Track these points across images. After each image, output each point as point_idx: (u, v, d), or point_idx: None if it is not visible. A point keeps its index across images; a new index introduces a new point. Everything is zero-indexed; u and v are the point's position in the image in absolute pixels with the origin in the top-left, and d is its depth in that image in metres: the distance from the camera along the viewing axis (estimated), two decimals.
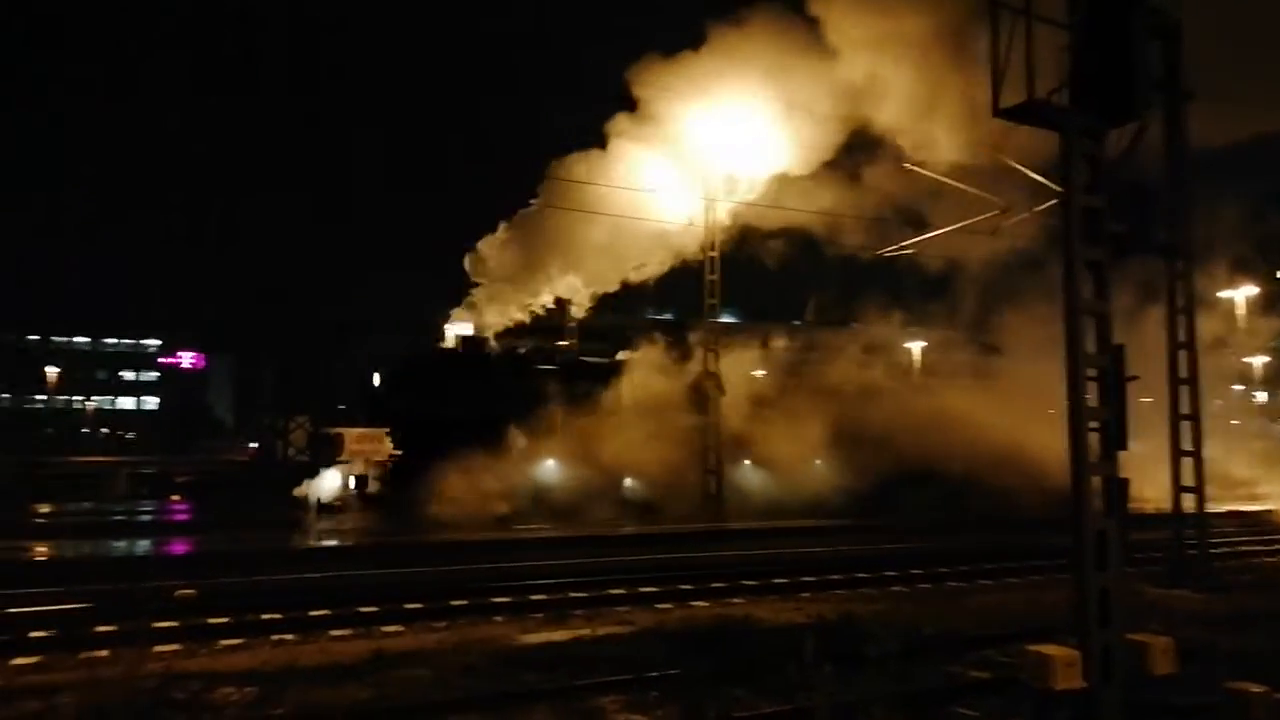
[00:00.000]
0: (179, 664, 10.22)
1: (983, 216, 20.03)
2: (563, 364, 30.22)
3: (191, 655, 11.06)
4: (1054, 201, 11.00)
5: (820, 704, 7.65)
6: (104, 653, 10.79)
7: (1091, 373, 8.03)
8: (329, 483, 26.48)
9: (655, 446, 27.46)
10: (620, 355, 31.10)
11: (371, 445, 26.56)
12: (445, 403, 25.98)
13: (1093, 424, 7.98)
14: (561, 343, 32.86)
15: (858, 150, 27.42)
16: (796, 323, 40.53)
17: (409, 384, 27.54)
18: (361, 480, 26.37)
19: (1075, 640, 7.60)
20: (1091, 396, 7.98)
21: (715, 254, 28.78)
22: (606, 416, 27.11)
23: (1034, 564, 19.03)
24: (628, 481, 28.52)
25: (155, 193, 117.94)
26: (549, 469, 27.30)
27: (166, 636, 11.43)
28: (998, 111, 8.03)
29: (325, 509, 25.73)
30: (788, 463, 28.30)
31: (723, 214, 29.00)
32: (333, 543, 22.30)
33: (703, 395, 28.48)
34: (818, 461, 29.02)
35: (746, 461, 29.98)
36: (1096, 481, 7.88)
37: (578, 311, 32.13)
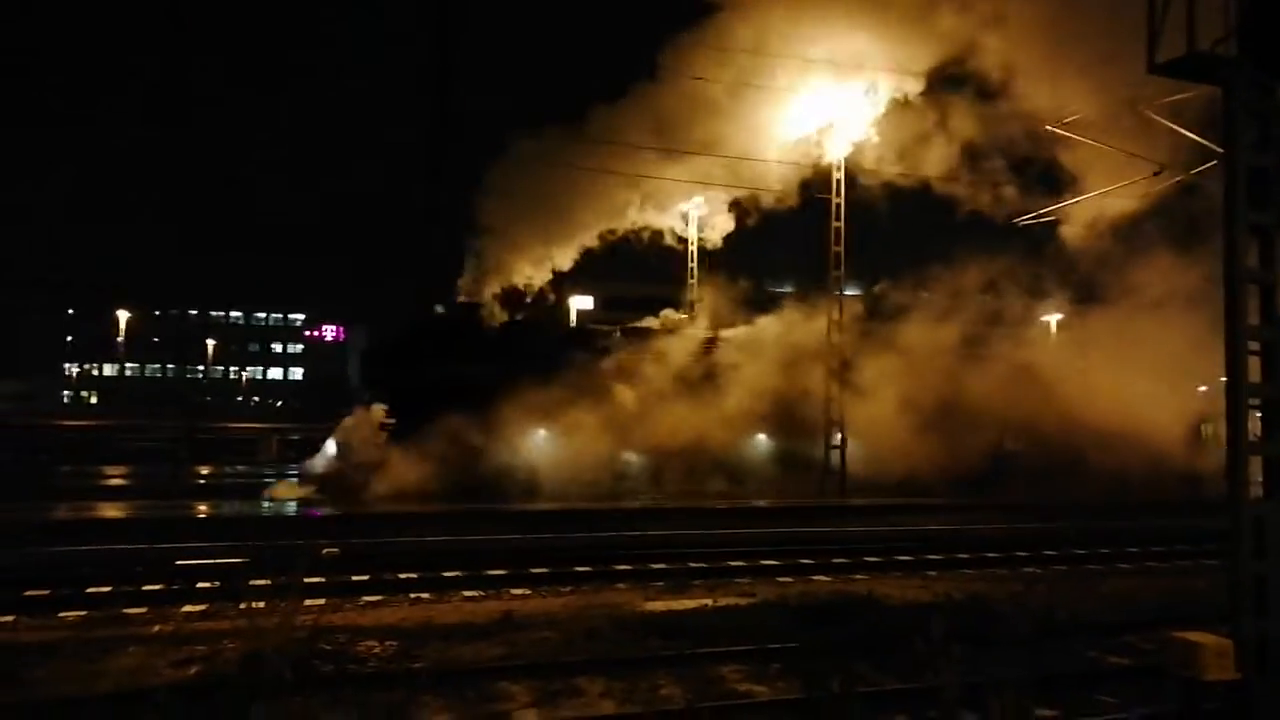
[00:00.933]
0: (326, 617, 10.92)
1: (1132, 180, 18.77)
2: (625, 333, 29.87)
3: (337, 610, 11.83)
4: (1214, 163, 10.20)
5: (948, 683, 7.49)
6: (260, 604, 11.66)
7: (1254, 346, 7.46)
8: (323, 455, 26.37)
9: (774, 420, 27.32)
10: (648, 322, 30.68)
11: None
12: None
13: (1253, 401, 7.43)
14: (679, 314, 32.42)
15: (991, 113, 26.08)
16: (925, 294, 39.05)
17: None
18: (343, 449, 25.86)
19: (1227, 629, 7.16)
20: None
21: (840, 224, 28.03)
22: (719, 389, 26.97)
23: (1179, 549, 18.00)
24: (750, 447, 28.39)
25: (301, 176, 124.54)
26: (649, 440, 26.77)
27: (315, 591, 12.26)
28: (1153, 67, 7.49)
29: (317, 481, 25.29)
30: (896, 437, 27.53)
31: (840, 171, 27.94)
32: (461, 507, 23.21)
33: (826, 369, 27.99)
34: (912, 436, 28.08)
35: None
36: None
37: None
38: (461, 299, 28.76)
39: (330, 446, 26.21)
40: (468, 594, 13.35)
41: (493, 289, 28.61)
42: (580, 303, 43.93)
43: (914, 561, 16.60)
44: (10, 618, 11.39)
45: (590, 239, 29.51)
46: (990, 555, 17.40)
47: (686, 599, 12.99)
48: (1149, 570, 16.55)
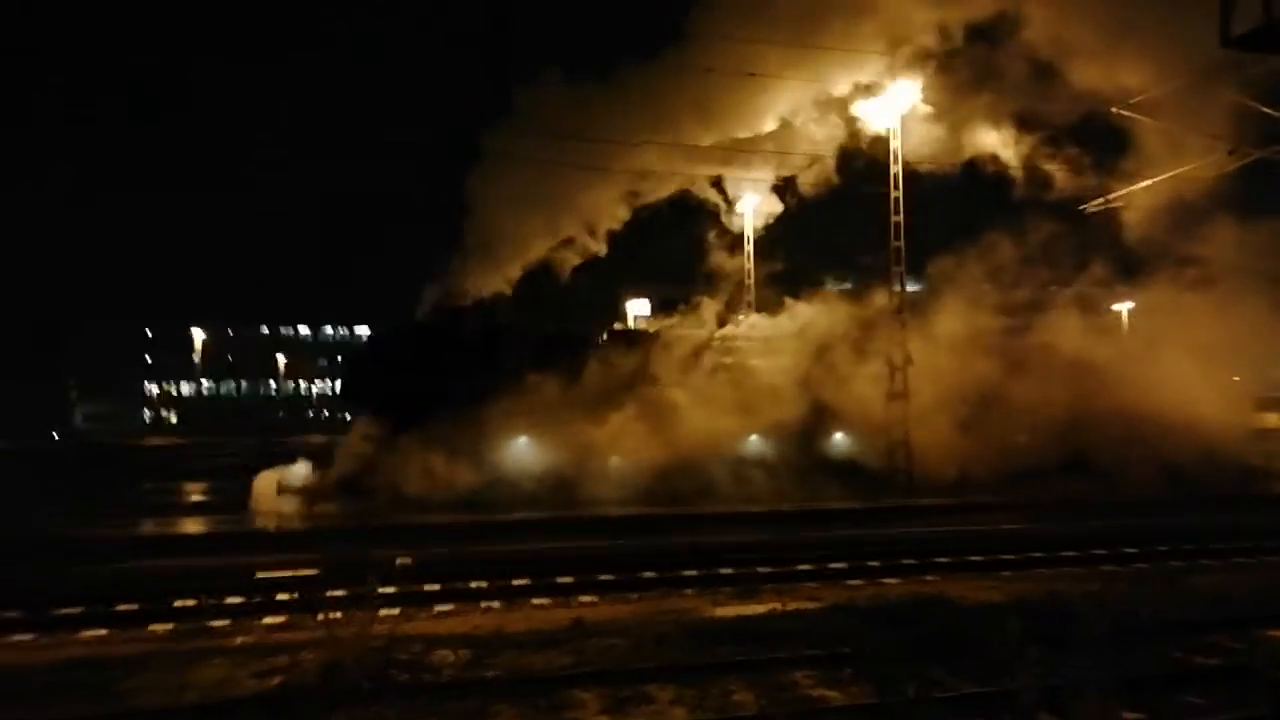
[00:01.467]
0: (401, 627, 11.15)
1: (1204, 161, 18.14)
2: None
3: (411, 619, 12.07)
4: None
5: (1026, 687, 7.32)
6: (337, 614, 11.94)
7: None
8: (298, 467, 26.52)
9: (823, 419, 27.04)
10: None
11: None
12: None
13: None
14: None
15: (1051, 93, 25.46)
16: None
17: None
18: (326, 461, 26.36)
19: None
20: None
21: (899, 218, 27.56)
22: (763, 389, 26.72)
23: (1268, 544, 17.29)
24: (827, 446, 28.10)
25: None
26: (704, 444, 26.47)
27: (390, 601, 12.52)
28: (1227, 40, 7.22)
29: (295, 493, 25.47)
30: (953, 434, 26.95)
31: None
32: (520, 516, 23.43)
33: (890, 366, 27.57)
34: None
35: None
36: None
37: None
38: (450, 303, 28.92)
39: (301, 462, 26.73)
40: (537, 602, 13.51)
41: (479, 291, 28.76)
42: (637, 307, 44.10)
43: (986, 562, 16.24)
44: (104, 631, 11.90)
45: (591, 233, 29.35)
46: (1065, 554, 16.93)
47: (756, 604, 12.93)
48: (1237, 567, 15.92)
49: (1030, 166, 26.99)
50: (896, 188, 27.26)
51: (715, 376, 27.28)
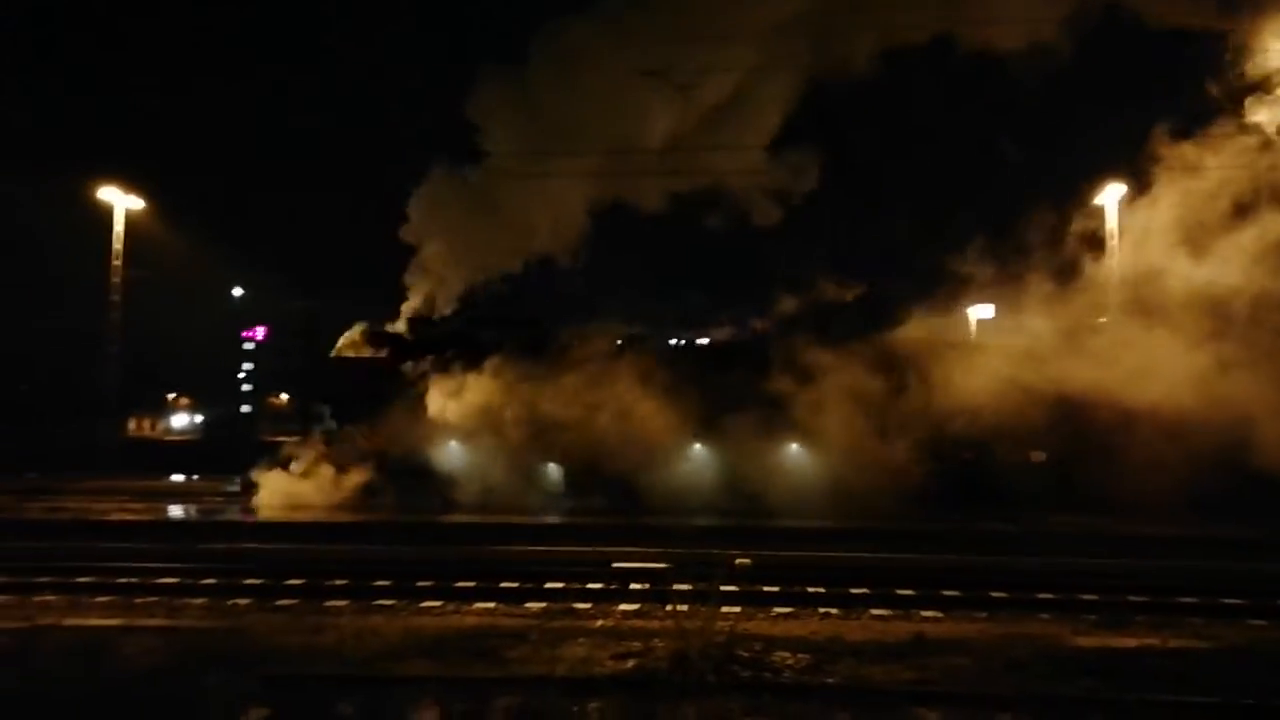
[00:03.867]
0: (741, 625, 11.55)
1: None
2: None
3: (750, 618, 12.44)
4: None
5: None
6: (684, 607, 12.66)
7: None
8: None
9: None
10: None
11: None
12: None
13: None
14: None
15: None
16: None
17: None
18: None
19: None
20: None
21: None
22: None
23: None
24: None
25: None
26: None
27: (731, 599, 13.00)
28: None
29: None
30: None
31: None
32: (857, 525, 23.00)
33: None
34: None
35: None
36: None
37: None
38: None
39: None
40: (876, 612, 13.26)
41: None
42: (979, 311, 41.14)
43: None
44: (492, 604, 13.72)
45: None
46: None
47: (1126, 636, 11.59)
48: None
49: None
50: None
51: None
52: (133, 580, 15.05)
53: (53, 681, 9.25)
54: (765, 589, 13.90)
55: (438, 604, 13.73)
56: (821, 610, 13.38)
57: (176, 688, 9.07)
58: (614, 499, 25.78)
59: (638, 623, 12.17)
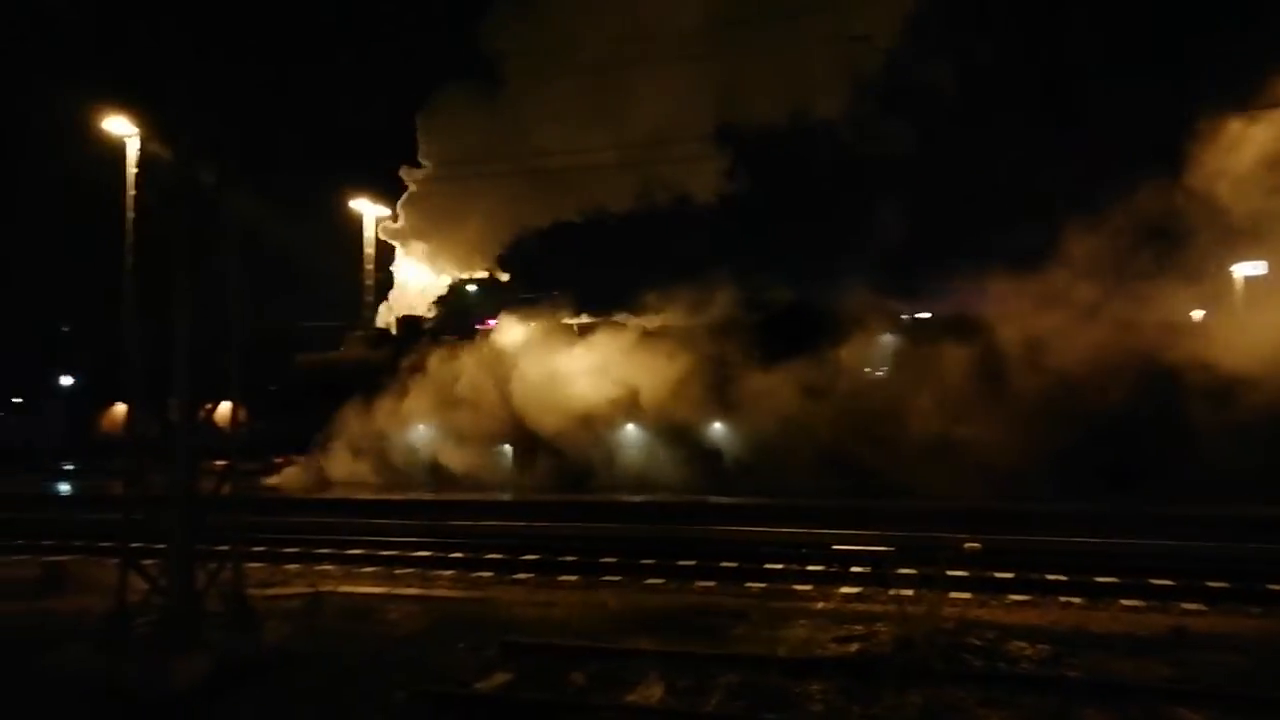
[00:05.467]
0: (972, 612, 11.05)
1: None
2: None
3: (982, 605, 11.87)
4: None
5: None
6: (909, 592, 12.27)
7: None
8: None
9: None
10: None
11: None
12: None
13: None
14: None
15: None
16: None
17: None
18: None
19: None
20: None
21: None
22: None
23: None
24: None
25: None
26: None
27: (959, 585, 12.44)
28: None
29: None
30: None
31: None
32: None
33: None
34: None
35: None
36: None
37: None
38: None
39: None
40: (1127, 603, 12.20)
41: None
42: None
43: None
44: (712, 583, 13.99)
45: None
46: None
47: None
48: None
49: None
50: None
51: None
52: (394, 553, 16.76)
53: (333, 637, 10.53)
54: (997, 575, 13.20)
55: (660, 581, 14.19)
56: (1063, 599, 12.50)
57: (431, 649, 10.01)
58: (829, 479, 25.29)
59: (860, 606, 11.97)
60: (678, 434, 27.60)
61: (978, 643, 9.68)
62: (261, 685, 8.89)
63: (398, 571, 15.42)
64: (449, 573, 15.24)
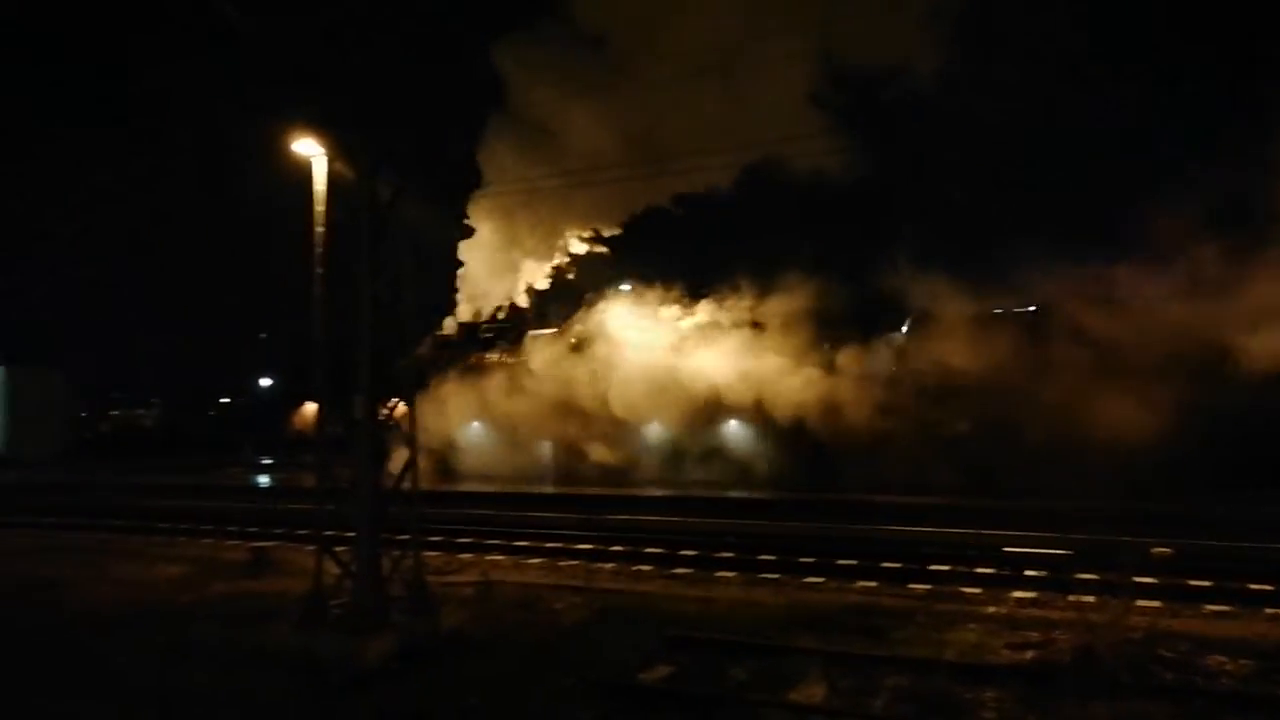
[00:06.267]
0: (1162, 622, 10.27)
1: None
2: None
3: (1175, 615, 10.99)
4: None
5: None
6: (1090, 598, 11.53)
7: None
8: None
9: None
10: None
11: None
12: None
13: None
14: None
15: None
16: None
17: None
18: None
19: None
20: None
21: None
22: None
23: None
24: None
25: None
26: None
27: (1147, 593, 11.60)
28: None
29: None
30: None
31: None
32: None
33: None
34: None
35: None
36: None
37: None
38: None
39: None
40: None
41: None
42: None
43: None
44: (873, 583, 13.67)
45: None
46: None
47: None
48: None
49: None
50: None
51: None
52: (558, 545, 17.37)
53: (504, 624, 11.06)
54: (1192, 583, 12.22)
55: (821, 580, 14.00)
56: (1269, 611, 11.39)
57: (595, 639, 10.34)
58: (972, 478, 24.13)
59: (1035, 612, 11.36)
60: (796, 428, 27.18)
61: (1169, 655, 9.03)
62: (440, 666, 9.46)
63: (561, 564, 15.96)
64: (610, 566, 15.63)
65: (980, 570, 13.87)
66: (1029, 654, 9.39)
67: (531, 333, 34.07)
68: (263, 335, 65.16)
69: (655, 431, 30.46)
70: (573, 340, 31.46)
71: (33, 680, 9.29)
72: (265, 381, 63.97)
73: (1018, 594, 12.47)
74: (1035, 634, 10.03)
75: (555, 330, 33.21)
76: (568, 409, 29.85)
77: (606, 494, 25.59)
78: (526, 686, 8.83)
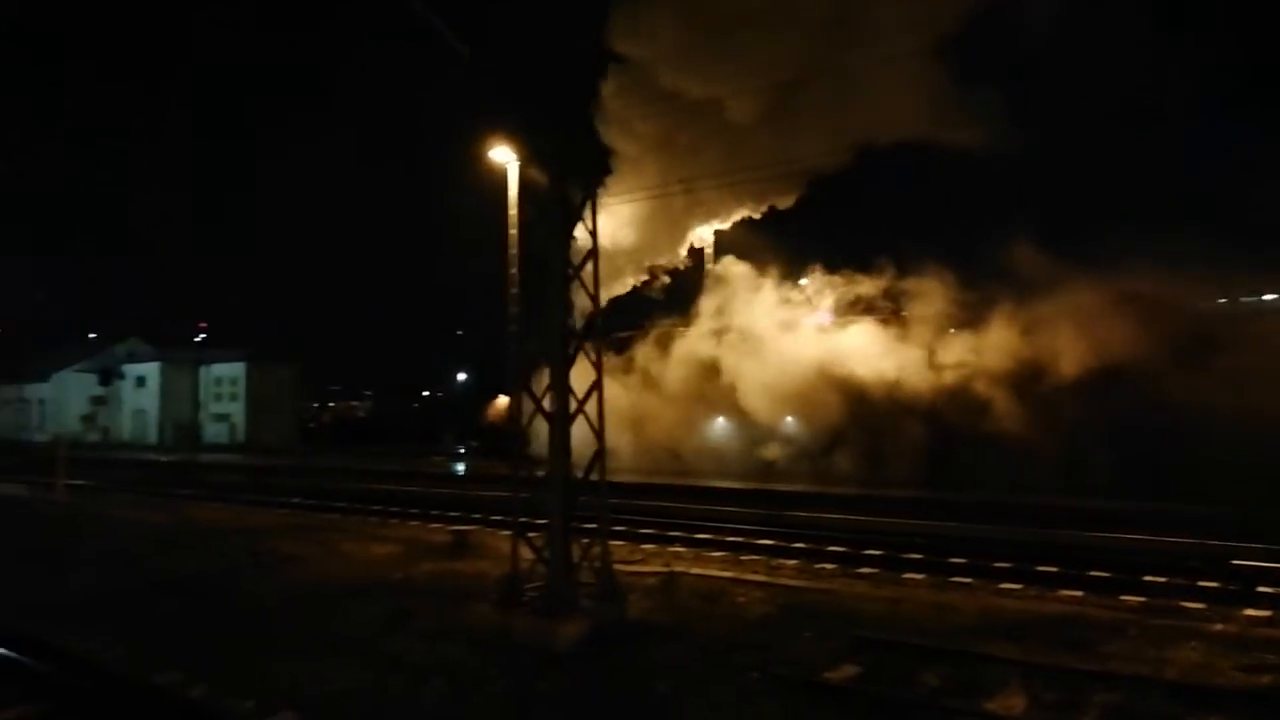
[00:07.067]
0: None
1: None
2: None
3: None
4: None
5: None
6: None
7: None
8: None
9: None
10: None
11: None
12: None
13: None
14: None
15: None
16: None
17: None
18: None
19: None
20: None
21: None
22: None
23: None
24: None
25: None
26: None
27: None
28: None
29: None
30: None
31: None
32: None
33: None
34: None
35: None
36: None
37: None
38: None
39: None
40: None
41: None
42: None
43: None
44: (1079, 593, 12.78)
45: None
46: None
47: None
48: None
49: None
50: None
51: None
52: (739, 539, 17.43)
53: (687, 615, 11.25)
54: None
55: (1017, 586, 13.26)
56: None
57: (778, 635, 10.29)
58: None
59: (1271, 632, 10.26)
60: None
61: None
62: (627, 652, 9.75)
63: (743, 558, 16.00)
64: (792, 562, 15.50)
65: (1203, 584, 12.69)
66: (1266, 679, 8.50)
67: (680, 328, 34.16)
68: (459, 332, 69.30)
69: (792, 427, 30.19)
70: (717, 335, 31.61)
71: (281, 643, 10.38)
72: (461, 376, 67.98)
73: (1249, 612, 11.31)
74: (1272, 657, 9.06)
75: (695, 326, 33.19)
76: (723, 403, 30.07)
77: (777, 490, 25.40)
78: (712, 678, 8.93)
